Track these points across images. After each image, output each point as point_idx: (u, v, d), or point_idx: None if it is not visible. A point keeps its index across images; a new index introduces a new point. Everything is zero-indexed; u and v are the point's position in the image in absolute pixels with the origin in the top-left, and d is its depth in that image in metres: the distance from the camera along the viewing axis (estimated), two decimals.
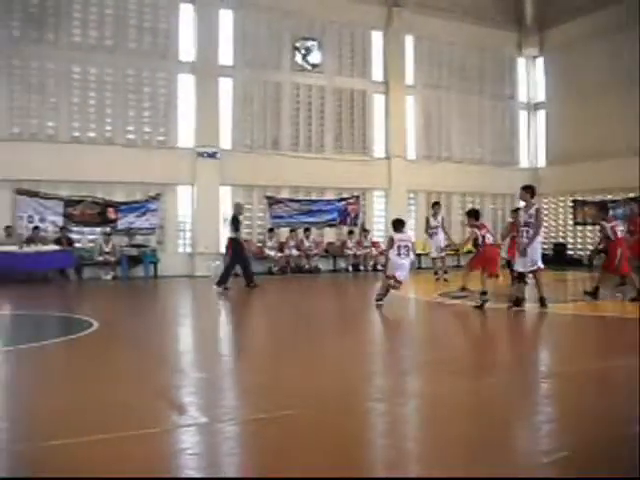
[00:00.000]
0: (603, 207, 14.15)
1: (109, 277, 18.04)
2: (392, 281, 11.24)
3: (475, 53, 24.51)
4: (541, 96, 25.57)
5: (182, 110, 19.87)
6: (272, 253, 19.71)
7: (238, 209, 15.61)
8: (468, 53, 24.32)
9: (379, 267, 21.28)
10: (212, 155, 19.66)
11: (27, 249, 16.55)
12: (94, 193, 18.65)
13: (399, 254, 11.13)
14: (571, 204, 23.84)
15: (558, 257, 23.11)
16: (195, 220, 19.87)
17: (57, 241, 17.44)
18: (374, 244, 21.78)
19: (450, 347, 7.91)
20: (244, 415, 4.84)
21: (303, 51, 21.36)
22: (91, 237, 18.74)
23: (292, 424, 4.51)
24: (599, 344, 8.17)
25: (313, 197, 21.81)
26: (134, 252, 18.49)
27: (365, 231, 21.75)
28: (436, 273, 16.61)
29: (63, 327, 9.79)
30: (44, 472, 3.62)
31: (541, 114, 25.65)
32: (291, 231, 20.69)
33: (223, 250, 19.75)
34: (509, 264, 13.05)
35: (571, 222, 23.86)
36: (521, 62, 25.72)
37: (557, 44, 24.28)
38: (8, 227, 17.23)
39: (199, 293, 16.13)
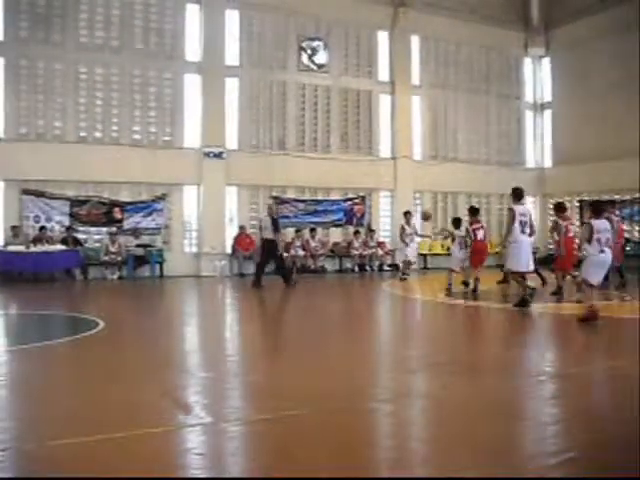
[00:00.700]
0: (561, 207, 14.42)
1: (115, 277, 18.09)
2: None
3: (481, 53, 24.47)
4: (547, 96, 25.52)
5: (188, 110, 19.91)
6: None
7: (274, 210, 16.22)
8: (474, 53, 24.29)
9: (385, 267, 21.34)
10: (218, 155, 19.68)
11: (34, 249, 16.62)
12: (100, 193, 18.71)
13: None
14: (577, 204, 23.76)
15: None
16: (201, 220, 19.90)
17: (63, 241, 17.50)
18: (380, 244, 21.80)
19: (454, 347, 7.88)
20: (250, 415, 4.84)
21: (309, 51, 21.38)
22: (97, 237, 18.79)
23: (298, 424, 4.51)
24: (605, 344, 8.14)
25: (319, 197, 21.81)
26: (140, 252, 18.53)
27: (371, 231, 21.75)
28: (404, 273, 17.35)
29: (69, 327, 9.80)
30: (50, 471, 3.62)
31: (547, 114, 25.60)
32: (297, 231, 20.70)
33: (229, 250, 19.85)
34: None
35: (577, 222, 23.75)
36: (527, 62, 25.67)
37: (563, 44, 24.22)
38: (15, 227, 17.28)
39: (205, 293, 16.15)
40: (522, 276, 10.93)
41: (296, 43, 21.27)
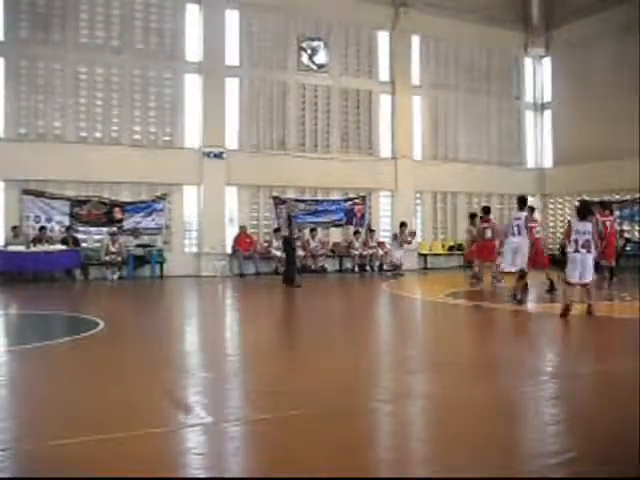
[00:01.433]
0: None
1: (115, 277, 18.08)
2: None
3: (481, 53, 24.46)
4: (547, 96, 25.52)
5: (188, 110, 19.90)
6: (278, 253, 19.66)
7: (290, 209, 16.95)
8: (474, 53, 24.29)
9: (385, 267, 21.34)
10: (218, 155, 19.68)
11: (34, 249, 16.61)
12: (100, 193, 18.70)
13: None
14: (577, 204, 23.73)
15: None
16: (201, 220, 19.89)
17: (64, 241, 17.49)
18: (380, 244, 21.79)
19: (454, 347, 7.88)
20: (250, 415, 4.84)
21: (309, 51, 21.38)
22: (97, 237, 18.77)
23: (298, 424, 4.51)
24: (604, 344, 8.14)
25: (319, 197, 21.80)
26: (140, 252, 18.53)
27: (371, 231, 21.75)
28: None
29: (69, 327, 9.81)
30: (50, 472, 3.62)
31: (547, 114, 25.59)
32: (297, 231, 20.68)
33: (229, 250, 19.85)
34: None
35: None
36: (528, 62, 25.66)
37: (564, 44, 24.21)
38: (15, 227, 17.28)
39: (205, 293, 16.14)
40: (520, 275, 11.44)
41: (296, 43, 21.26)
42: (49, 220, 17.95)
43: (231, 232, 20.29)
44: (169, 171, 19.05)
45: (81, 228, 18.45)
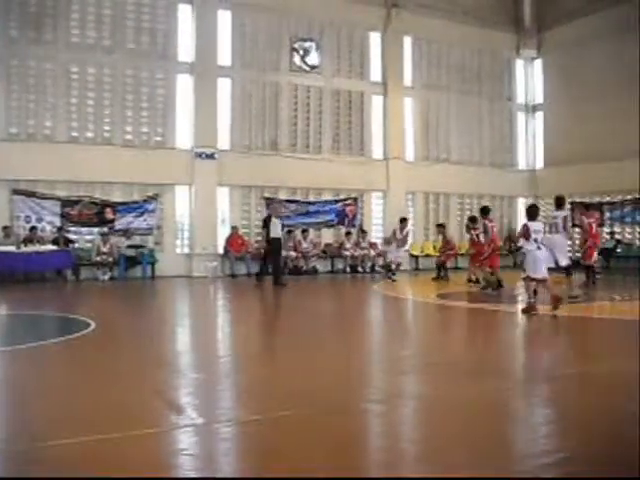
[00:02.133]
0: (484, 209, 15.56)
1: (106, 277, 18.03)
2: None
3: (473, 54, 24.54)
4: (539, 98, 25.63)
5: (180, 111, 19.88)
6: None
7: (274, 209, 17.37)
8: (466, 54, 24.37)
9: (377, 268, 21.36)
10: (210, 156, 19.65)
11: (24, 249, 16.53)
12: (92, 193, 18.64)
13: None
14: (569, 206, 23.81)
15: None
16: (193, 221, 19.86)
17: (54, 241, 17.42)
18: (372, 245, 21.81)
19: (446, 348, 7.90)
20: (242, 416, 4.83)
21: (301, 52, 21.39)
22: (89, 237, 18.72)
23: (290, 425, 4.50)
24: (601, 346, 8.17)
25: (311, 198, 21.81)
26: (132, 252, 18.48)
27: (363, 232, 21.77)
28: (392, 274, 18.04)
29: (60, 327, 9.76)
30: (41, 472, 3.61)
31: (539, 116, 25.70)
32: (289, 232, 20.67)
33: (221, 251, 19.83)
34: None
35: (569, 224, 23.85)
36: (519, 64, 25.77)
37: (555, 46, 24.32)
38: (5, 227, 17.19)
39: (197, 294, 16.11)
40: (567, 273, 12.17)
41: (288, 44, 21.27)
42: (40, 220, 17.88)
43: (223, 233, 20.26)
44: (161, 171, 19.01)
45: (72, 228, 18.39)
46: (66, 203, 18.28)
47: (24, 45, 17.90)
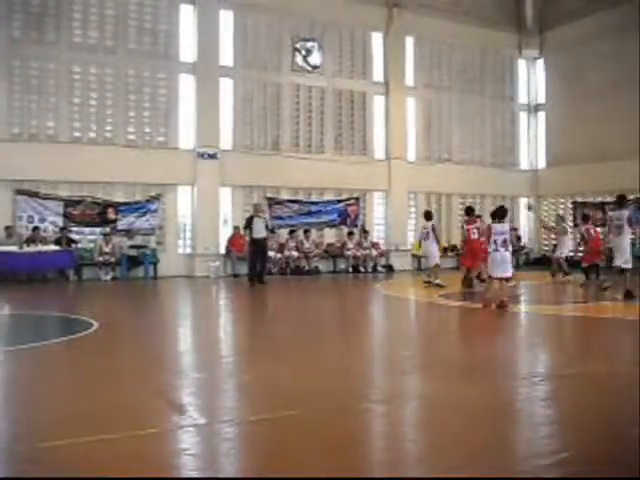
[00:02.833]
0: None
1: (109, 277, 18.05)
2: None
3: (475, 54, 24.53)
4: (541, 97, 25.61)
5: (182, 111, 19.89)
6: (272, 254, 19.69)
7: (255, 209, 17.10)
8: (468, 54, 24.36)
9: (379, 268, 21.37)
10: (212, 156, 19.67)
11: (27, 249, 16.57)
12: (94, 193, 18.66)
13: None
14: (571, 206, 23.85)
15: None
16: (195, 221, 19.88)
17: (57, 241, 17.45)
18: (374, 245, 21.81)
19: (448, 348, 7.91)
20: (244, 416, 4.84)
21: (303, 52, 21.39)
22: (91, 237, 18.72)
23: (292, 425, 4.51)
24: (601, 346, 8.17)
25: (313, 198, 21.82)
26: (134, 252, 18.51)
27: (365, 232, 21.76)
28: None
29: (63, 327, 9.78)
30: (43, 472, 3.62)
31: (541, 115, 25.68)
32: (291, 232, 20.69)
33: (223, 251, 19.85)
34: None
35: (571, 224, 23.87)
36: (521, 63, 25.75)
37: (557, 46, 24.30)
38: (8, 227, 17.23)
39: (199, 293, 16.11)
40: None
41: (290, 44, 21.27)
42: (42, 220, 17.90)
43: (225, 233, 20.28)
44: (163, 171, 19.03)
45: (74, 228, 18.40)
46: (69, 203, 18.31)
47: (26, 45, 17.93)
